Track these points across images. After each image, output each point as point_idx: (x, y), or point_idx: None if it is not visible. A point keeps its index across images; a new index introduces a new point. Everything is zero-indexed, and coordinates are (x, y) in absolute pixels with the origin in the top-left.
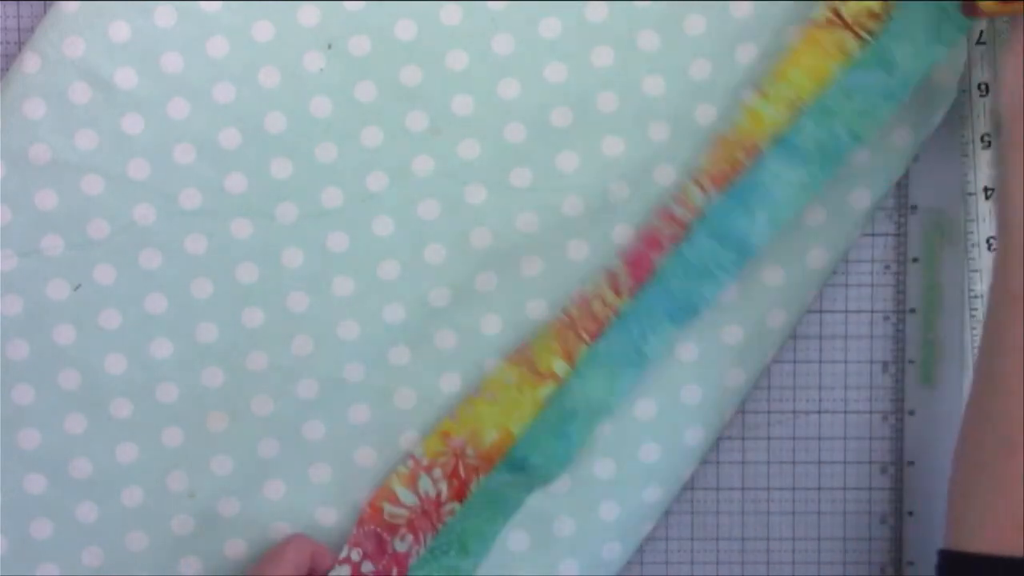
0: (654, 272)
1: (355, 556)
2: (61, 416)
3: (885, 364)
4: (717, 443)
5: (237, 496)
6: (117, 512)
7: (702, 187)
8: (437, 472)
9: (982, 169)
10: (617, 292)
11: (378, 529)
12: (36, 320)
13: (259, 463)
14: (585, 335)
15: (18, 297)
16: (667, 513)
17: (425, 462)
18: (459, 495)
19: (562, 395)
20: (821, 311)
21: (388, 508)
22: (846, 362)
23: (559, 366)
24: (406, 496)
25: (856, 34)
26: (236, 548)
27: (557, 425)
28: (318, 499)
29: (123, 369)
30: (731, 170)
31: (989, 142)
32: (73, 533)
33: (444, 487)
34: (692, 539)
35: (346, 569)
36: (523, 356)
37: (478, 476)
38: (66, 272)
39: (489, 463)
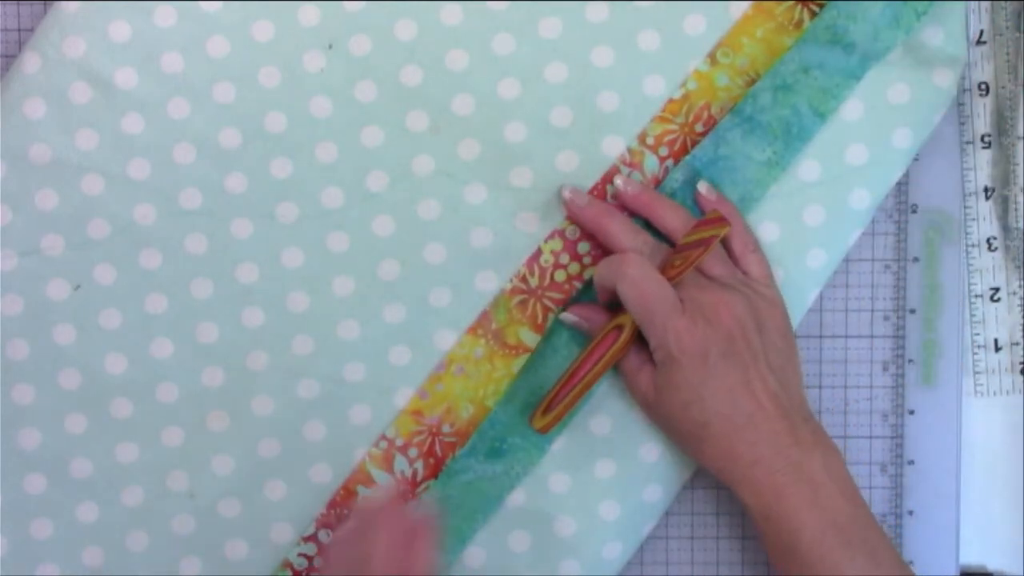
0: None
1: (324, 537)
2: (61, 416)
3: (885, 364)
4: None
5: (237, 496)
6: (117, 512)
7: (654, 151)
8: (413, 452)
9: (982, 169)
10: (578, 260)
11: (350, 513)
12: (36, 320)
13: (259, 463)
14: (551, 304)
15: (18, 297)
16: (667, 513)
17: (399, 442)
18: (435, 473)
19: (537, 370)
20: (821, 311)
21: (363, 491)
22: (846, 362)
23: (528, 336)
24: (381, 478)
25: (806, 4)
26: (236, 548)
27: (535, 405)
28: (318, 499)
29: (123, 369)
30: (685, 137)
31: (989, 142)
32: (73, 533)
33: (420, 466)
34: (692, 539)
35: (312, 548)
36: (486, 328)
37: (455, 452)
38: (66, 272)
39: (466, 438)
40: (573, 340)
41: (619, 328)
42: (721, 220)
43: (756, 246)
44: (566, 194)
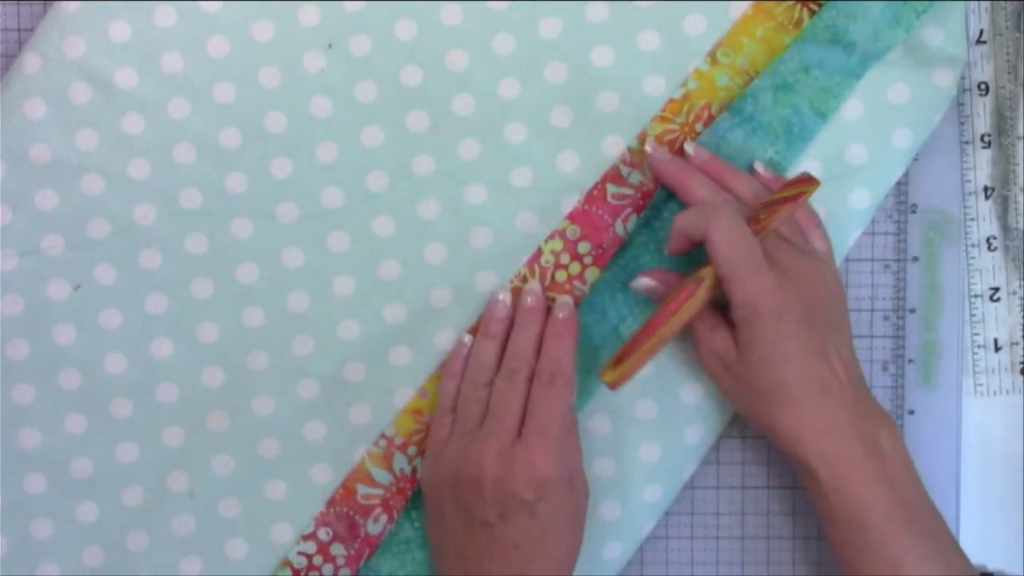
0: (620, 242)
1: (323, 535)
2: (61, 416)
3: (885, 364)
4: (717, 442)
5: (237, 496)
6: (117, 512)
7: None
8: (412, 449)
9: (982, 169)
10: (578, 259)
11: (350, 511)
12: (36, 320)
13: (259, 463)
14: (552, 304)
15: (18, 297)
16: (667, 513)
17: (399, 441)
18: None
19: None
20: None
21: (362, 489)
22: None
23: None
24: (381, 476)
25: (805, 3)
26: (236, 548)
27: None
28: (318, 498)
29: (123, 369)
30: (685, 136)
31: (989, 142)
32: (73, 533)
33: (419, 464)
34: (692, 539)
35: (311, 546)
36: None
37: None
38: (66, 272)
39: None
40: (579, 350)
41: (697, 280)
42: (810, 179)
43: (820, 221)
44: (648, 148)
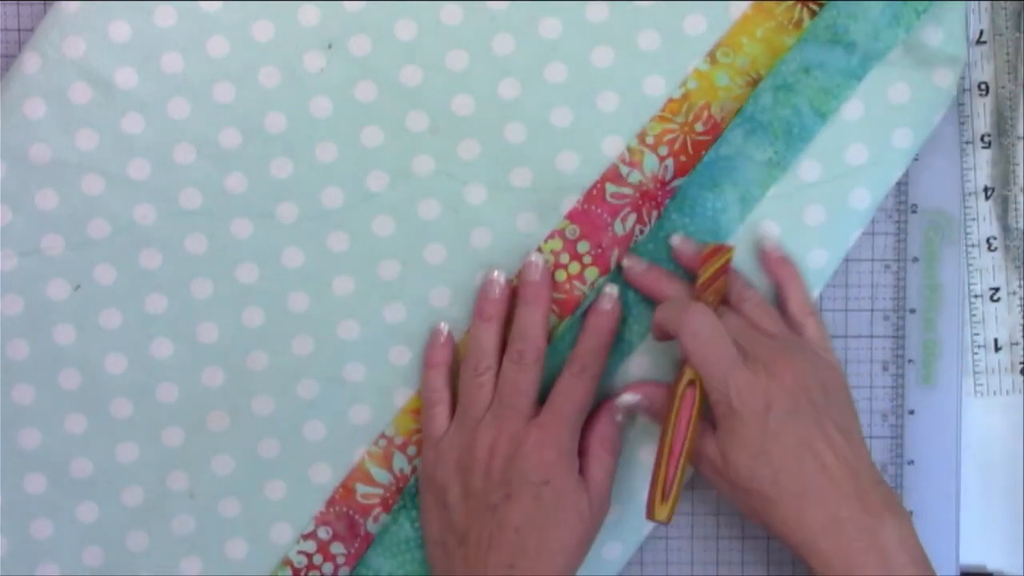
0: (620, 242)
1: (323, 534)
2: (61, 416)
3: (885, 364)
4: None
5: (237, 496)
6: (117, 512)
7: (654, 150)
8: (412, 449)
9: (982, 169)
10: (578, 259)
11: (350, 511)
12: (36, 320)
13: (259, 463)
14: (554, 307)
15: (18, 297)
16: None
17: (399, 440)
18: None
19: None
20: (821, 311)
21: (361, 489)
22: (846, 362)
23: None
24: (380, 475)
25: (805, 3)
26: (236, 548)
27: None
28: (318, 498)
29: (123, 369)
30: (685, 136)
31: (989, 142)
32: (73, 533)
33: (419, 464)
34: (692, 539)
35: (311, 545)
36: None
37: None
38: (66, 272)
39: None
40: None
41: (692, 384)
42: (720, 248)
43: (814, 309)
44: (625, 262)
